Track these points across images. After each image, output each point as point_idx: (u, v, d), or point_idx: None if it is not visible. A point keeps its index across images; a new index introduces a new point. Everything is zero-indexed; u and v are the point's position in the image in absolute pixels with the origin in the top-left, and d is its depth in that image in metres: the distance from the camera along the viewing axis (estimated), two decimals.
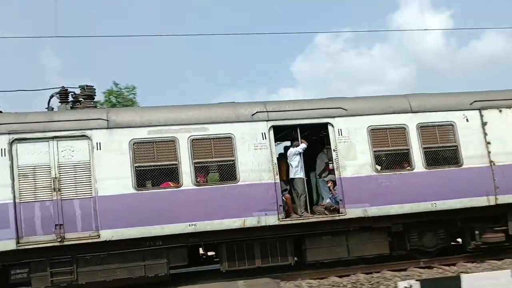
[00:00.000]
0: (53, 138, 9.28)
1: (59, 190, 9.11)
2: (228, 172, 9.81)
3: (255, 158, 9.87)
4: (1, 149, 9.07)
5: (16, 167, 9.05)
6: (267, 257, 10.03)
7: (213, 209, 9.54)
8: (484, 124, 10.94)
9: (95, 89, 10.80)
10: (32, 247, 8.90)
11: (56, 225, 9.00)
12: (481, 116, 10.99)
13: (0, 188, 8.90)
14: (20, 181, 9.02)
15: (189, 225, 9.43)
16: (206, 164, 9.88)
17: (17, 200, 8.95)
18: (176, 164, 9.61)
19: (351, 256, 10.48)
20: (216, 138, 9.88)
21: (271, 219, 9.73)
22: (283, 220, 9.81)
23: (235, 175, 9.78)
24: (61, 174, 9.17)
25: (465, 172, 10.67)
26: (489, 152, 10.80)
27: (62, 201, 9.08)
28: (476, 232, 10.96)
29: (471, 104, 11.05)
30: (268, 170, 9.87)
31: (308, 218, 10.09)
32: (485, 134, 10.88)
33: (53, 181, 9.11)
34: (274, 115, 10.19)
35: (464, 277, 3.08)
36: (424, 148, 10.60)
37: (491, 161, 10.77)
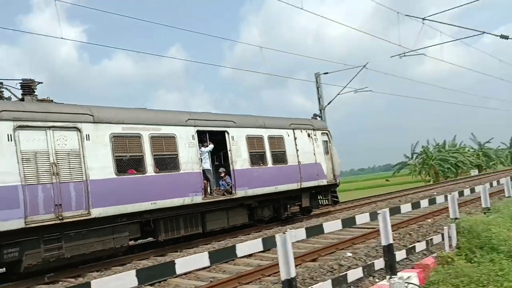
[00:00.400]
0: (50, 127, 10.29)
1: (57, 174, 10.22)
2: (174, 163, 12.89)
3: (189, 153, 13.32)
4: (7, 135, 9.54)
5: (18, 152, 9.70)
6: (187, 228, 13.45)
7: (166, 191, 12.46)
8: (295, 138, 17.62)
9: (36, 82, 11.49)
10: (37, 225, 9.72)
11: (56, 205, 10.10)
12: (294, 133, 17.65)
13: (7, 173, 9.42)
14: (23, 165, 9.71)
15: (151, 203, 12.05)
16: (161, 156, 12.56)
17: (22, 182, 9.69)
18: (142, 155, 12.08)
19: (229, 225, 14.99)
20: (166, 136, 12.82)
21: (199, 198, 13.38)
22: (204, 199, 13.61)
23: (178, 166, 12.97)
24: (58, 160, 10.28)
25: (288, 167, 17.04)
26: (298, 155, 17.46)
27: (59, 184, 10.22)
28: (288, 206, 17.44)
29: (289, 125, 17.62)
30: (196, 162, 13.50)
31: (218, 198, 14.21)
32: (296, 144, 17.58)
33: (52, 166, 10.15)
34: (197, 122, 13.89)
35: (93, 283, 3.92)
36: (272, 151, 16.33)
37: (299, 161, 17.47)
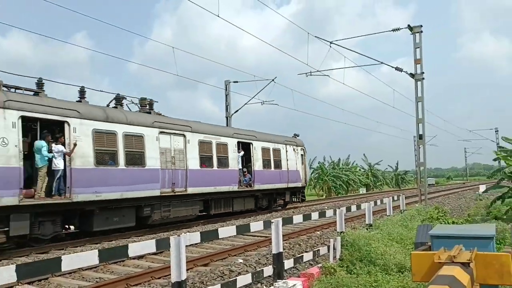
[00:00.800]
0: (172, 134, 16.42)
1: (174, 163, 16.33)
2: (226, 162, 19.36)
3: (233, 156, 19.86)
4: (155, 137, 15.55)
5: (158, 146, 15.68)
6: (225, 207, 19.85)
7: (221, 181, 18.94)
8: (286, 151, 24.54)
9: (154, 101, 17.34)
10: (165, 195, 15.79)
11: (172, 183, 16.20)
12: (286, 147, 24.56)
13: (155, 160, 15.39)
14: (160, 156, 15.70)
15: (214, 188, 18.44)
16: (220, 157, 18.98)
17: (166, 167, 15.79)
18: (212, 155, 18.49)
19: (245, 208, 21.44)
20: (223, 144, 19.29)
21: (236, 188, 19.98)
22: (239, 188, 20.24)
23: (228, 164, 19.49)
24: (171, 156, 16.33)
25: (282, 172, 23.89)
26: (287, 164, 24.43)
27: (174, 170, 16.33)
28: (277, 199, 24.38)
29: (284, 141, 24.56)
30: (237, 163, 20.10)
31: (244, 188, 20.91)
32: (287, 156, 24.53)
33: (172, 158, 16.28)
34: (238, 136, 20.53)
35: None
36: (274, 159, 23.22)
37: (287, 168, 24.39)
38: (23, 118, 11.56)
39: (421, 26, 20.65)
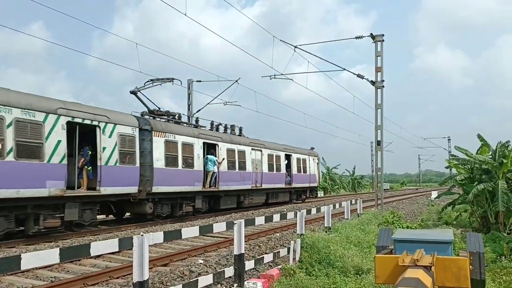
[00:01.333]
0: (256, 149, 25.66)
1: (256, 169, 25.47)
2: (279, 168, 28.66)
3: (283, 164, 29.25)
4: (250, 152, 24.81)
5: (251, 157, 24.85)
6: (276, 199, 28.83)
7: (276, 180, 28.40)
8: (308, 160, 33.88)
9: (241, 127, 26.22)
10: (252, 188, 25.05)
11: (255, 180, 25.29)
12: (308, 157, 33.96)
13: (250, 166, 24.56)
14: (252, 164, 24.82)
15: (273, 185, 27.87)
16: (276, 164, 28.23)
17: (254, 171, 25.00)
18: (273, 163, 27.78)
19: (283, 200, 30.39)
20: (278, 156, 28.78)
21: (283, 185, 29.43)
22: (284, 186, 29.75)
23: (281, 169, 28.93)
24: (256, 163, 25.45)
25: (306, 175, 33.34)
26: (309, 169, 33.84)
27: (257, 172, 25.46)
28: (301, 194, 33.75)
29: (307, 153, 34.02)
30: (284, 168, 29.49)
31: (287, 186, 30.27)
32: (309, 163, 33.92)
33: (256, 165, 25.41)
34: (285, 150, 29.90)
35: None
36: (302, 166, 32.69)
37: (309, 173, 33.81)
38: (203, 143, 20.59)
39: (383, 35, 20.88)
